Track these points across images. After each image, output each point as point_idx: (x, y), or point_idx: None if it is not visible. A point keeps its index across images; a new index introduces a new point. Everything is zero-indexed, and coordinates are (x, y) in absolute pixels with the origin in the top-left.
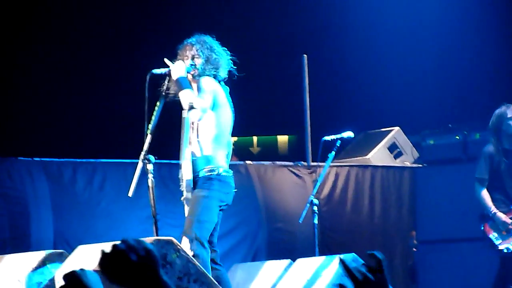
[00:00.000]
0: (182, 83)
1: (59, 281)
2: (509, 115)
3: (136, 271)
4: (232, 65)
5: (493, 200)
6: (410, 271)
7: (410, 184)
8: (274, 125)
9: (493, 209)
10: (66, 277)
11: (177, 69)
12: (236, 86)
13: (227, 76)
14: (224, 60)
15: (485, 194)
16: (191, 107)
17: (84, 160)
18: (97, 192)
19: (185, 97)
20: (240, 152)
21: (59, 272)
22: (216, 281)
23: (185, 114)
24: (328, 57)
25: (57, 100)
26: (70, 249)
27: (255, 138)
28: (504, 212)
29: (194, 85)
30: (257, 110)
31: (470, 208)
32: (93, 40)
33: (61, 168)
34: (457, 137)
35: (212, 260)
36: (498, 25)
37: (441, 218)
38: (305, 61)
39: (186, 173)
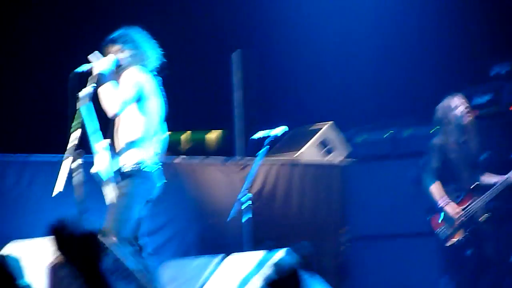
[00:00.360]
0: (103, 77)
1: None
2: (452, 106)
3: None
4: (162, 56)
5: (446, 193)
6: (341, 268)
7: (341, 181)
8: (204, 121)
9: (442, 201)
10: None
11: (99, 65)
12: (166, 81)
13: (157, 67)
14: (151, 51)
15: (436, 186)
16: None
17: (12, 157)
18: (27, 189)
19: (103, 92)
20: (170, 148)
21: None
22: (144, 272)
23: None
24: (261, 52)
25: None
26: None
27: (184, 135)
28: (456, 203)
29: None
30: (188, 106)
31: (401, 204)
32: (21, 37)
33: None
34: (388, 134)
35: (140, 251)
36: (427, 21)
37: (371, 214)
38: (237, 57)
39: (96, 166)
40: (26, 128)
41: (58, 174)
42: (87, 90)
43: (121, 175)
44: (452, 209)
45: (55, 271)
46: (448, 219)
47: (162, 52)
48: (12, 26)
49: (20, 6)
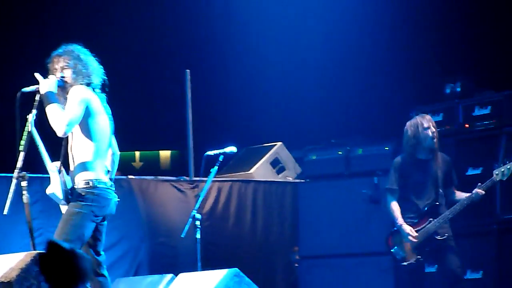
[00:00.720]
0: (49, 98)
1: None
2: (425, 125)
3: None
4: (103, 73)
5: (403, 212)
6: (293, 286)
7: (293, 199)
8: (156, 140)
9: (400, 221)
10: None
11: (46, 84)
12: (118, 100)
13: (101, 83)
14: (95, 68)
15: (394, 205)
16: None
17: None
18: None
19: (50, 112)
20: (122, 166)
21: None
22: None
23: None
24: (211, 73)
25: None
26: None
27: (137, 153)
28: (411, 225)
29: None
30: (140, 125)
31: (353, 223)
32: None
33: None
34: (340, 153)
35: (96, 271)
36: (379, 39)
37: (324, 233)
38: (188, 77)
39: (50, 187)
40: None
41: (6, 193)
42: (33, 112)
43: (73, 193)
44: (407, 230)
45: None
46: (402, 239)
47: (104, 70)
48: None
49: None
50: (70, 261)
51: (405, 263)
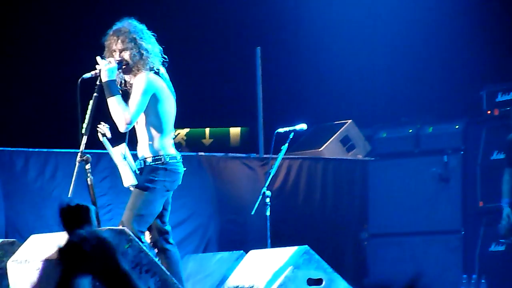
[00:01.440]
0: (110, 88)
1: (11, 270)
2: None
3: (92, 260)
4: (162, 52)
5: None
6: (361, 264)
7: (362, 177)
8: (226, 117)
9: (504, 202)
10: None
11: (106, 71)
12: (189, 77)
13: (161, 63)
14: (153, 49)
15: (507, 182)
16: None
17: (36, 149)
18: (49, 181)
19: (112, 106)
20: (192, 143)
21: (11, 261)
22: (168, 261)
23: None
24: (282, 50)
25: (9, 92)
26: (21, 238)
27: (207, 130)
28: None
29: (129, 77)
30: (210, 102)
31: (422, 202)
32: (39, 37)
33: (13, 157)
34: (410, 131)
35: (165, 239)
36: (448, 22)
37: (393, 211)
38: (259, 54)
39: (125, 180)
40: (48, 122)
41: (81, 166)
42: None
43: (144, 169)
44: (506, 212)
45: (49, 266)
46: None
47: (174, 49)
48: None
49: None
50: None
51: (502, 240)
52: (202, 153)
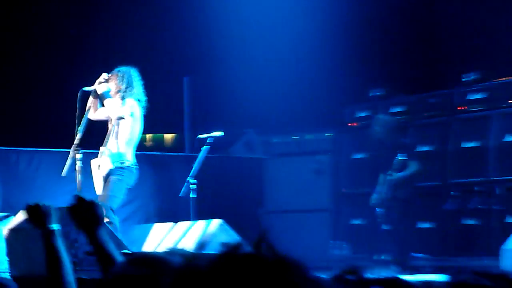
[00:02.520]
0: (105, 95)
1: (6, 232)
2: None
3: (90, 214)
4: (144, 93)
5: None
6: (260, 233)
7: (260, 170)
8: (163, 126)
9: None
10: (28, 207)
11: (101, 87)
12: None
13: (142, 97)
14: (137, 87)
15: None
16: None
17: (25, 148)
18: (34, 172)
19: (108, 103)
20: (138, 146)
21: (5, 228)
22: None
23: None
24: (205, 77)
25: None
26: (14, 213)
27: (148, 136)
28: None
29: (117, 99)
30: (150, 116)
31: (303, 188)
32: (39, 47)
33: (8, 154)
34: (293, 137)
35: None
36: (320, 55)
37: (282, 195)
38: (186, 82)
39: (104, 164)
40: (37, 126)
41: (59, 162)
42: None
43: (114, 169)
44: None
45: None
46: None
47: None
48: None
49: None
50: (92, 208)
51: (378, 209)
52: (145, 152)
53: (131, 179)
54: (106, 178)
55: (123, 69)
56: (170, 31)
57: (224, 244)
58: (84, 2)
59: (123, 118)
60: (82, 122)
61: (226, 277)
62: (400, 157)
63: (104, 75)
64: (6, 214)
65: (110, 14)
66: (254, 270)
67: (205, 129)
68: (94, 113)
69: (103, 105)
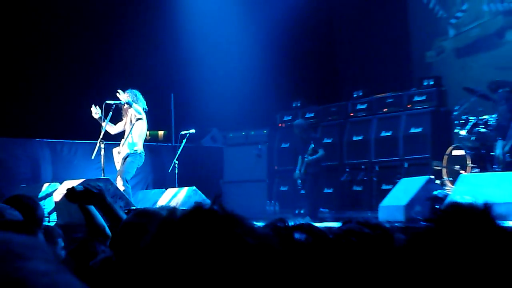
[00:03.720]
0: (130, 104)
1: (55, 195)
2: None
3: (93, 196)
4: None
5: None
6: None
7: (220, 156)
8: (157, 125)
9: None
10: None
11: (122, 98)
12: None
13: (145, 105)
14: (141, 100)
15: None
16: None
17: (66, 140)
18: (73, 156)
19: (135, 111)
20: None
21: (55, 192)
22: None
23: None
24: (185, 92)
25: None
26: (61, 182)
27: (147, 132)
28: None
29: (130, 110)
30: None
31: (249, 167)
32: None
33: (55, 145)
34: (243, 133)
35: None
36: (260, 71)
37: (235, 171)
38: (172, 98)
39: (123, 150)
40: (74, 124)
41: (92, 151)
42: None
43: (130, 154)
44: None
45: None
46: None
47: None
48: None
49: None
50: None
51: (298, 181)
52: (146, 143)
53: (140, 161)
54: (124, 160)
55: (131, 90)
56: (163, 61)
57: (195, 202)
58: (103, 33)
59: (141, 119)
60: (104, 123)
61: (191, 224)
62: (312, 146)
63: (120, 93)
64: (57, 183)
65: (121, 44)
66: (211, 220)
67: (184, 128)
68: (112, 129)
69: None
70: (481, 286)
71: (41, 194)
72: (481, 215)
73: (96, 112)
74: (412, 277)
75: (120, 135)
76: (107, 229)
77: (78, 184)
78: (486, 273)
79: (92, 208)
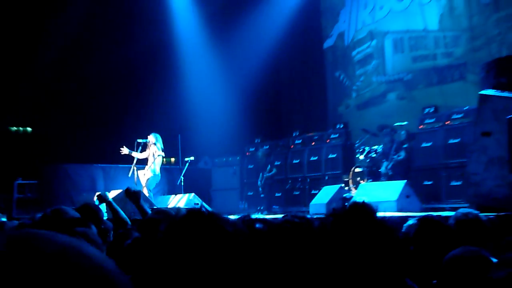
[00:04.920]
0: (156, 144)
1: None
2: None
3: (134, 195)
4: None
5: None
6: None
7: (211, 173)
8: (169, 153)
9: None
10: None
11: (153, 139)
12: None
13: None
14: (160, 141)
15: None
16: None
17: (113, 165)
18: (116, 174)
19: (156, 148)
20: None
21: (109, 194)
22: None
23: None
24: (187, 133)
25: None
26: (109, 191)
27: (171, 159)
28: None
29: (153, 146)
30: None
31: (227, 180)
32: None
33: (106, 168)
34: (224, 159)
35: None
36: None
37: (220, 183)
38: (180, 138)
39: (147, 173)
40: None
41: (128, 171)
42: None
43: (151, 176)
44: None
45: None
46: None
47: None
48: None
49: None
50: (135, 192)
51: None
52: (163, 166)
53: (158, 179)
54: (147, 179)
55: (155, 133)
56: (172, 112)
57: (195, 204)
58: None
59: (160, 155)
60: (135, 153)
61: (189, 221)
62: (269, 166)
63: (148, 138)
64: (108, 192)
65: (144, 99)
66: (201, 218)
67: (187, 155)
68: (140, 155)
69: (142, 150)
70: (364, 251)
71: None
72: (366, 209)
73: (123, 151)
74: (326, 247)
75: (144, 161)
76: (128, 221)
77: (120, 193)
78: (366, 242)
79: (118, 208)
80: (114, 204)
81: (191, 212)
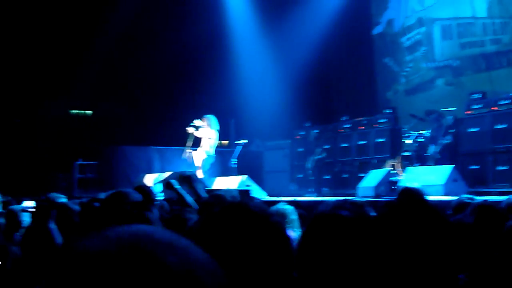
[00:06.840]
0: (210, 126)
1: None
2: None
3: (188, 177)
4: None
5: None
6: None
7: (263, 155)
8: (223, 137)
9: None
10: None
11: (201, 123)
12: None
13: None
14: (216, 123)
15: None
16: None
17: (167, 147)
18: (172, 156)
19: (211, 130)
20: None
21: (161, 176)
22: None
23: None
24: (239, 117)
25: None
26: (164, 172)
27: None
28: None
29: (208, 128)
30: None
31: (279, 162)
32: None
33: (161, 150)
34: (275, 142)
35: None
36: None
37: (271, 165)
38: (233, 122)
39: (202, 155)
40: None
41: (182, 153)
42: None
43: (206, 156)
44: None
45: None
46: None
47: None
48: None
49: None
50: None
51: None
52: (217, 148)
53: (212, 160)
54: (202, 159)
55: (210, 115)
56: (225, 93)
57: (247, 185)
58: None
59: (215, 137)
60: (190, 135)
61: (235, 209)
62: (317, 149)
63: (203, 120)
64: (162, 173)
65: (203, 86)
66: (242, 205)
67: (239, 138)
68: (197, 134)
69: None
70: (416, 236)
71: (155, 180)
72: (417, 194)
73: (189, 130)
74: (380, 231)
75: (198, 143)
76: (196, 206)
77: (170, 175)
78: (418, 226)
79: (183, 190)
80: (182, 190)
81: (235, 204)
